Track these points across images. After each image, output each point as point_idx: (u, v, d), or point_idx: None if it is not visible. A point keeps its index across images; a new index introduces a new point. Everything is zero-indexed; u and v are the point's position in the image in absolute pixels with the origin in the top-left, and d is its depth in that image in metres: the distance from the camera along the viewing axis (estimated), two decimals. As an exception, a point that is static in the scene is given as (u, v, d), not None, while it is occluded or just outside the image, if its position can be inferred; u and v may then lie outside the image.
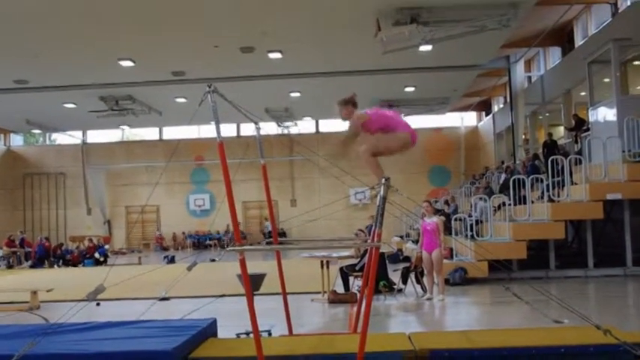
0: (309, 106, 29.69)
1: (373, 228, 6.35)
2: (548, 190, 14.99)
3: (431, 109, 30.31)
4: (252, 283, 6.78)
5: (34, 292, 12.44)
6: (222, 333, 7.66)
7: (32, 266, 25.49)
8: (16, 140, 37.90)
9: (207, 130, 34.25)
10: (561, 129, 23.29)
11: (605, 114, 16.11)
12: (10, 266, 25.58)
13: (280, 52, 20.15)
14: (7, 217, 35.15)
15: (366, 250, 10.13)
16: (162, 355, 5.85)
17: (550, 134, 20.59)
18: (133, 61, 20.64)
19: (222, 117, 5.51)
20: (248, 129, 31.07)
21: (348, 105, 6.36)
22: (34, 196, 36.31)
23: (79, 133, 35.90)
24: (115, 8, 15.91)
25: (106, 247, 27.08)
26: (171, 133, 36.35)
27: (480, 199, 16.48)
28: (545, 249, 14.98)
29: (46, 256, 26.27)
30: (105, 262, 25.18)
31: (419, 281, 12.62)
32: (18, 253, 26.81)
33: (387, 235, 25.04)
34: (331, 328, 9.31)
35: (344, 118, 6.35)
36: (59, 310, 10.00)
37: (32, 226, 35.40)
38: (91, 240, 27.56)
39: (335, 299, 11.80)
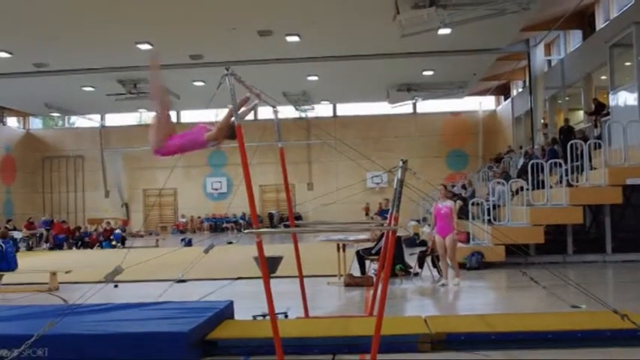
0: (326, 89, 29.64)
1: (390, 211, 6.34)
2: (566, 175, 14.88)
3: (449, 93, 30.11)
4: (269, 266, 6.80)
5: (54, 274, 12.56)
6: (238, 315, 7.71)
7: (51, 248, 25.77)
8: (35, 123, 38.21)
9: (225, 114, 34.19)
10: (581, 113, 23.06)
11: (625, 98, 15.93)
12: (29, 248, 25.86)
13: (298, 35, 20.07)
14: (27, 199, 35.48)
15: (382, 234, 10.12)
16: (180, 337, 5.90)
17: (567, 120, 20.39)
18: (151, 45, 20.67)
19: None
20: (266, 112, 30.96)
21: None
22: (52, 179, 36.63)
23: (97, 117, 36.10)
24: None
25: (118, 231, 26.90)
26: (189, 116, 36.43)
27: (498, 183, 16.39)
28: (563, 234, 14.89)
29: (64, 238, 26.54)
30: (122, 244, 25.38)
31: (435, 265, 12.59)
32: (37, 235, 27.08)
33: (404, 219, 25.02)
34: (347, 311, 9.33)
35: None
36: (78, 292, 10.12)
37: (51, 208, 35.72)
38: (108, 223, 27.77)
39: (351, 282, 11.81)
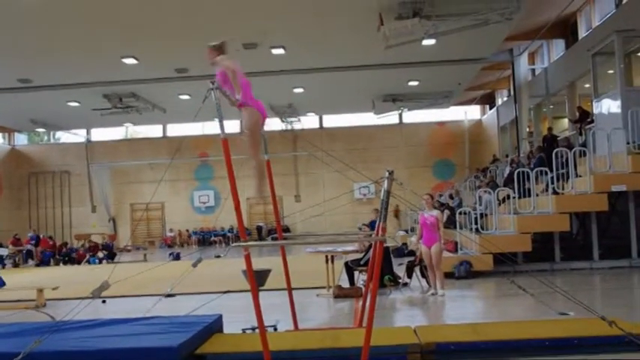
0: (312, 101, 29.70)
1: (377, 222, 6.35)
2: (552, 183, 14.96)
3: (434, 103, 30.27)
4: (258, 279, 6.78)
5: (40, 290, 12.47)
6: (228, 329, 7.68)
7: (38, 264, 25.55)
8: (21, 139, 37.98)
9: (211, 127, 34.15)
10: (565, 121, 23.23)
11: (609, 106, 16.05)
12: (16, 265, 25.62)
13: (283, 47, 20.12)
14: (13, 215, 35.22)
15: (370, 245, 10.12)
16: (168, 352, 5.86)
17: (550, 128, 20.52)
18: (137, 59, 20.65)
19: (226, 113, 5.51)
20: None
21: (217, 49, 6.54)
22: (39, 195, 36.40)
23: (83, 132, 35.99)
24: (118, 7, 15.93)
25: (100, 254, 26.39)
26: (175, 130, 36.37)
27: (485, 192, 16.46)
28: (550, 241, 14.96)
29: (51, 254, 26.33)
30: (112, 259, 25.21)
31: (424, 275, 12.60)
32: (24, 251, 26.84)
33: (392, 229, 25.04)
34: (337, 323, 9.31)
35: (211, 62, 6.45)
36: (65, 308, 10.06)
37: (37, 224, 35.41)
38: (91, 241, 27.58)
39: (340, 294, 11.80)
